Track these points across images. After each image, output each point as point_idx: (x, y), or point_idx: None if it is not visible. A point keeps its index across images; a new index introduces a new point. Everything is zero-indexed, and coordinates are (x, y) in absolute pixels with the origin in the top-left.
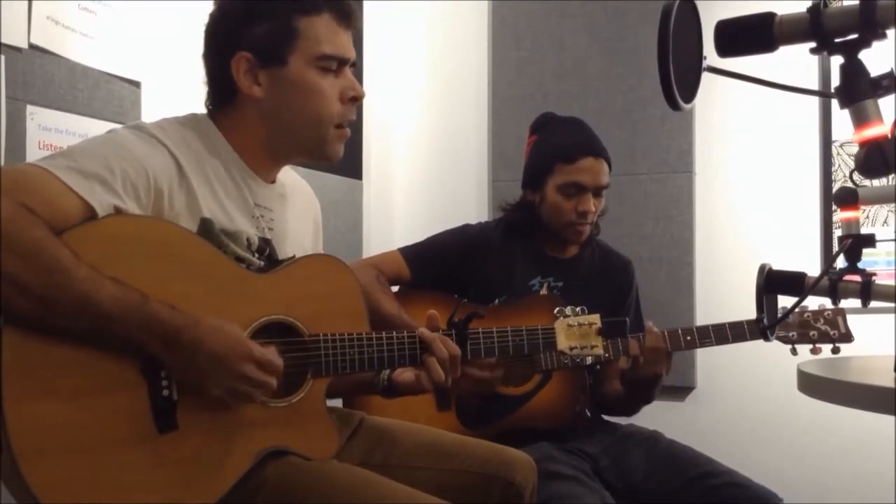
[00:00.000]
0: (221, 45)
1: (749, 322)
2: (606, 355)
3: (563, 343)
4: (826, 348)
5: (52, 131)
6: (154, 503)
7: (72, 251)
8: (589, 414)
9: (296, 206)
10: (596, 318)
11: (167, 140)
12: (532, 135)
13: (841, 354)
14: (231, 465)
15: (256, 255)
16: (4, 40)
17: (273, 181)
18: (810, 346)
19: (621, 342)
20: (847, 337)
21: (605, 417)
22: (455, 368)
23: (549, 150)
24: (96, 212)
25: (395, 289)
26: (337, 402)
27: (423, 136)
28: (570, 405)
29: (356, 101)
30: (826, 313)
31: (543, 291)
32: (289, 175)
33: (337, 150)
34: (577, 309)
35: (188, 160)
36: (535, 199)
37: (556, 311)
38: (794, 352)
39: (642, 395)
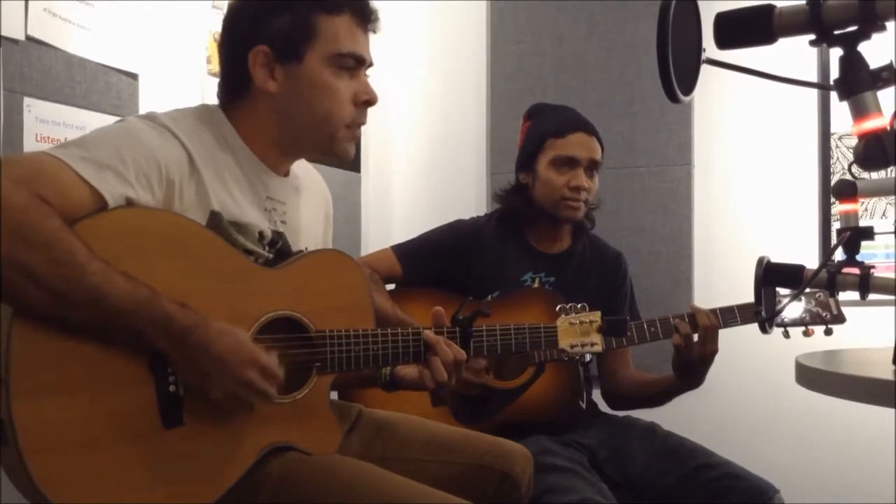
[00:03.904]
0: (240, 37)
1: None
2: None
3: (564, 341)
4: (819, 330)
5: (50, 124)
6: (159, 498)
7: (84, 243)
8: (584, 406)
9: (309, 200)
10: (597, 316)
11: (179, 131)
12: (526, 122)
13: (839, 347)
14: (236, 460)
15: (268, 248)
16: (2, 32)
17: (286, 174)
18: (803, 328)
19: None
20: (839, 318)
21: (602, 410)
22: (459, 370)
23: (541, 129)
24: (107, 202)
25: (390, 287)
26: (333, 395)
27: (422, 129)
28: (563, 397)
29: (369, 104)
30: (818, 295)
31: (535, 286)
32: (303, 167)
33: (347, 149)
34: (578, 306)
35: (199, 152)
36: (528, 180)
37: (557, 308)
38: (786, 335)
39: (695, 378)
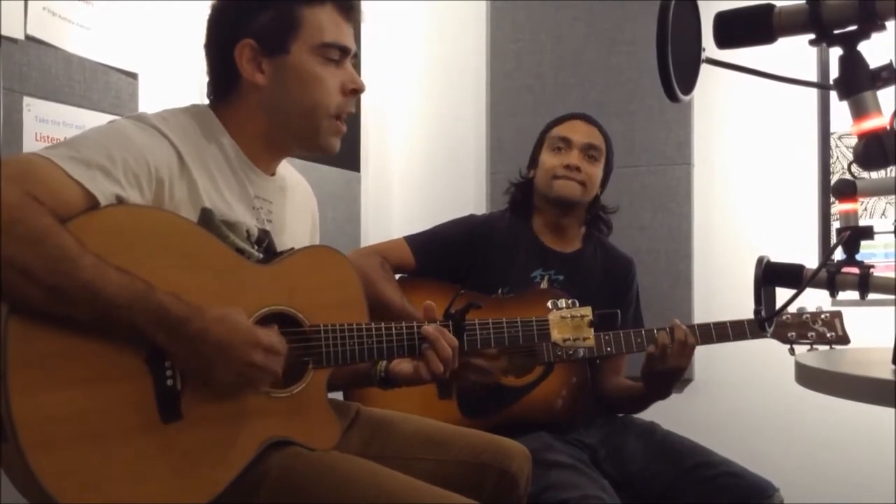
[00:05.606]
0: (225, 33)
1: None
2: (609, 349)
3: (556, 334)
4: (823, 349)
5: (49, 123)
6: (159, 493)
7: (77, 240)
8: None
9: (294, 201)
10: (588, 311)
11: (168, 130)
12: None
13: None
14: (235, 454)
15: (256, 246)
16: (1, 31)
17: (273, 174)
18: (808, 346)
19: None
20: (844, 339)
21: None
22: (454, 361)
23: (545, 126)
24: (98, 201)
25: (398, 276)
26: (335, 395)
27: (421, 127)
28: (571, 398)
29: (356, 93)
30: (823, 315)
31: (544, 284)
32: (288, 170)
33: (332, 143)
34: (570, 301)
35: (189, 151)
36: (532, 173)
37: (549, 303)
38: (791, 352)
39: (661, 389)
